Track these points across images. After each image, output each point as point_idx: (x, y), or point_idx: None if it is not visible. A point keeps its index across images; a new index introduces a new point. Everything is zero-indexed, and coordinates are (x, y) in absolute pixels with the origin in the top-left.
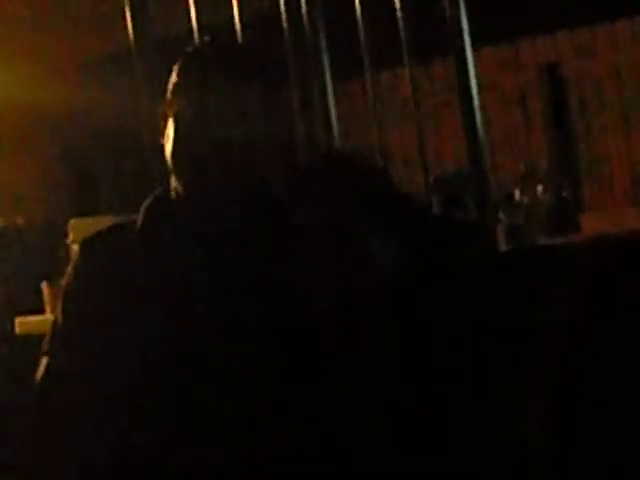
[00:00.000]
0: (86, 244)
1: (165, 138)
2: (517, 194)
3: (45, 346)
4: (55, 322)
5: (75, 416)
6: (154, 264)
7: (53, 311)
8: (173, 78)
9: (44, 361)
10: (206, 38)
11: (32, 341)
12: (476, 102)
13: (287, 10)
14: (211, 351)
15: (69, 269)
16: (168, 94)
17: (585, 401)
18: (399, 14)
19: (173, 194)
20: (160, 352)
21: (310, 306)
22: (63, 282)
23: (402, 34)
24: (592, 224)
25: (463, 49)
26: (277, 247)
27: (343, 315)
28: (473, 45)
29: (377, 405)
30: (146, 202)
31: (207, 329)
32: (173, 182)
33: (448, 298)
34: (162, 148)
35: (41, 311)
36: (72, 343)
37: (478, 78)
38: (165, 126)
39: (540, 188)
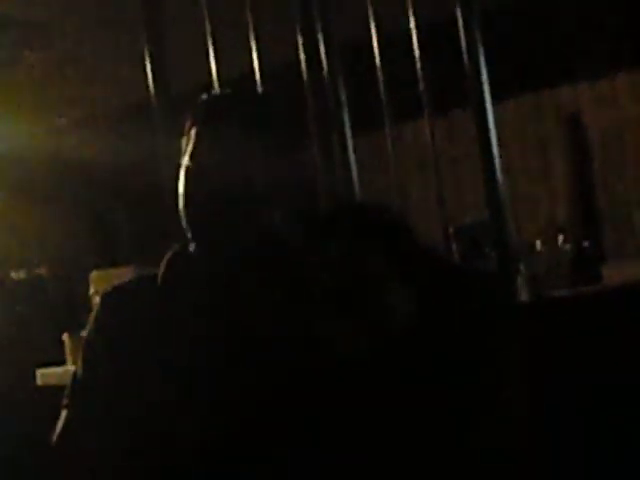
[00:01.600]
0: (107, 296)
1: (181, 201)
2: (538, 244)
3: (65, 398)
4: (75, 374)
5: (94, 468)
6: (175, 318)
7: (74, 362)
8: (186, 128)
9: (64, 413)
10: (221, 89)
11: (53, 392)
12: (496, 153)
13: (307, 62)
14: (231, 404)
15: (90, 321)
16: (182, 144)
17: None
18: (419, 66)
19: (191, 247)
20: (179, 404)
21: (327, 356)
22: (84, 333)
23: (422, 86)
24: (614, 273)
25: (483, 101)
26: (293, 298)
27: (360, 364)
28: (494, 96)
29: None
30: (166, 256)
31: (227, 382)
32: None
33: (465, 348)
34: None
35: (62, 362)
36: (92, 395)
37: (498, 129)
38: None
39: (561, 238)
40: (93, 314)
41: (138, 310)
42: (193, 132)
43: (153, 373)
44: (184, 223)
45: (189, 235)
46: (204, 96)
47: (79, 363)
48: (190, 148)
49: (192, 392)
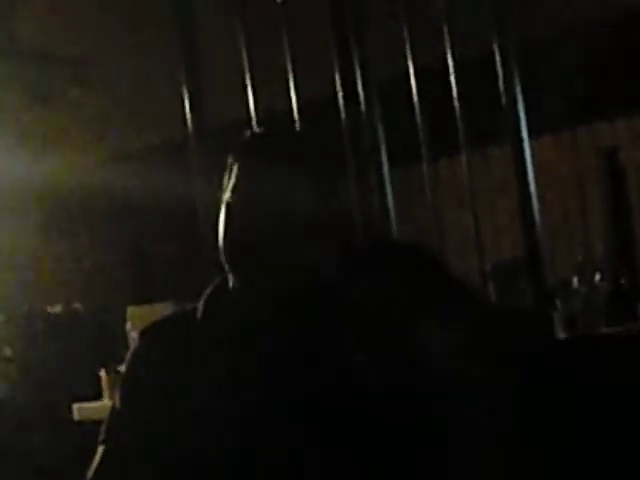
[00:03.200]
0: (146, 332)
1: (221, 237)
2: (574, 281)
3: (102, 434)
4: (113, 409)
5: None
6: (213, 355)
7: (111, 397)
8: (228, 163)
9: (100, 449)
10: (261, 126)
11: (90, 427)
12: (533, 188)
13: (344, 97)
14: (271, 443)
15: (128, 357)
16: (224, 180)
17: None
18: (456, 101)
19: (231, 282)
20: (219, 443)
21: (363, 395)
22: (122, 369)
23: (459, 122)
24: None
25: (520, 137)
26: (327, 335)
27: (394, 406)
28: (532, 131)
29: None
30: (205, 292)
31: (264, 422)
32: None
33: (505, 389)
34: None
35: (99, 397)
36: (130, 431)
37: (535, 165)
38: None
39: (598, 275)
40: (131, 350)
41: (177, 346)
42: (235, 167)
43: (191, 411)
44: (224, 258)
45: (228, 270)
46: (246, 132)
47: (117, 398)
48: (232, 183)
49: (233, 433)
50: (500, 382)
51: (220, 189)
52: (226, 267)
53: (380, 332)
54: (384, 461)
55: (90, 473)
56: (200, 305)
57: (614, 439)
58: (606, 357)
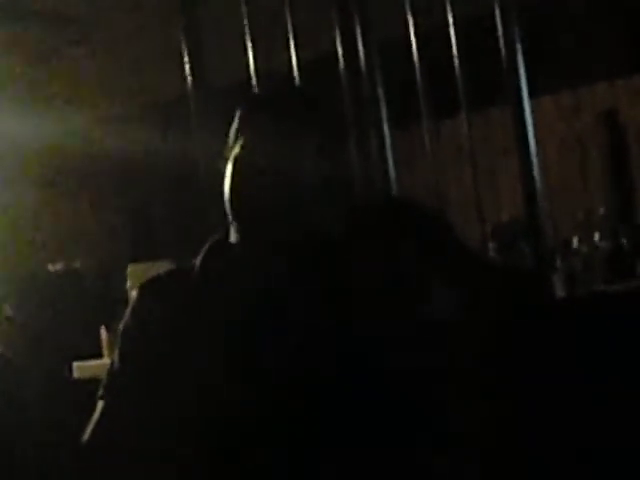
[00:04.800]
0: (144, 288)
1: (226, 190)
2: (574, 241)
3: (101, 389)
4: (112, 365)
5: (128, 461)
6: (212, 309)
7: (111, 356)
8: (234, 124)
9: (100, 404)
10: (266, 85)
11: (90, 385)
12: (533, 150)
13: (344, 56)
14: (273, 399)
15: (127, 312)
16: (229, 139)
17: None
18: (456, 62)
19: (232, 237)
20: (219, 399)
21: (365, 354)
22: (120, 325)
23: (459, 82)
24: None
25: (520, 98)
26: (335, 294)
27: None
28: (531, 93)
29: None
30: (205, 246)
31: (267, 376)
32: (231, 225)
33: (507, 347)
34: (220, 192)
35: (99, 356)
36: (129, 386)
37: (535, 126)
38: (225, 177)
39: (597, 235)
40: (130, 305)
41: (175, 302)
42: (243, 125)
43: (190, 367)
44: (230, 212)
45: (233, 225)
46: (253, 92)
47: (115, 355)
48: (241, 140)
49: (234, 389)
50: (500, 345)
51: (224, 147)
52: (231, 222)
53: (381, 288)
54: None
55: (89, 428)
56: (198, 260)
57: (616, 395)
58: (606, 314)
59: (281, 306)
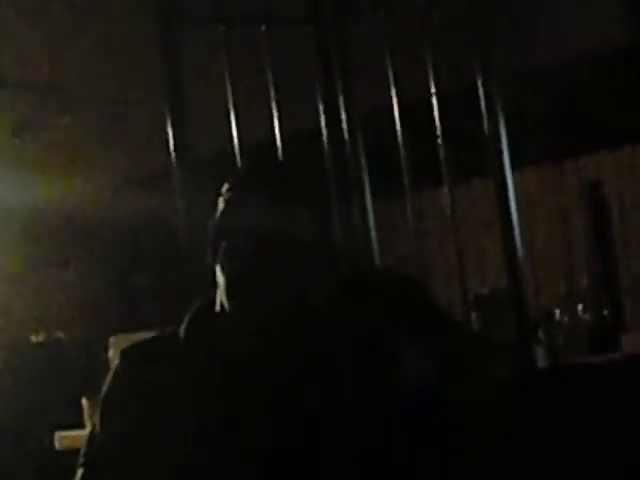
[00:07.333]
0: (126, 353)
1: (217, 260)
2: (557, 313)
3: (81, 457)
4: (92, 431)
5: None
6: (196, 374)
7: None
8: (221, 203)
9: (79, 472)
10: (249, 158)
11: (72, 456)
12: (516, 222)
13: (328, 128)
14: (257, 466)
15: (108, 377)
16: (217, 218)
17: None
18: (439, 132)
19: (217, 306)
20: (198, 465)
21: (342, 427)
22: (102, 390)
23: (442, 153)
24: (633, 344)
25: (503, 169)
26: (311, 364)
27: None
28: (515, 165)
29: None
30: (191, 311)
31: (246, 444)
32: (218, 295)
33: (480, 420)
34: (203, 264)
35: (80, 426)
36: (108, 453)
37: (519, 197)
38: (213, 248)
39: (580, 307)
40: (112, 370)
41: (158, 367)
42: (227, 196)
43: (172, 434)
44: (219, 280)
45: (220, 292)
46: (240, 168)
47: (96, 420)
48: (221, 209)
49: (213, 455)
50: (478, 409)
51: (208, 218)
52: (218, 289)
53: (364, 358)
54: None
55: None
56: (183, 326)
57: (596, 468)
58: (587, 387)
59: (265, 372)
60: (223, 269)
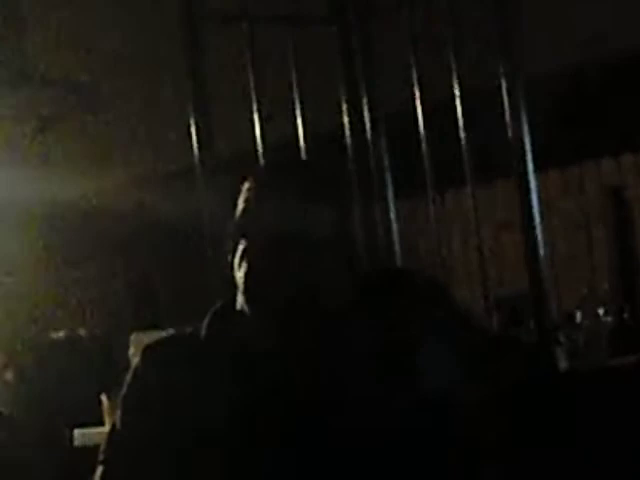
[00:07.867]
0: (147, 350)
1: (236, 259)
2: (578, 315)
3: (101, 454)
4: (112, 428)
5: None
6: (217, 373)
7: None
8: (242, 195)
9: (99, 469)
10: (272, 157)
11: (91, 453)
12: (538, 224)
13: (351, 127)
14: (272, 467)
15: (129, 376)
16: (238, 216)
17: None
18: (462, 132)
19: (238, 304)
20: (216, 465)
21: (365, 430)
22: (123, 389)
23: (465, 153)
24: None
25: (526, 170)
26: (331, 364)
27: (395, 439)
28: (538, 167)
29: None
30: (212, 310)
31: (266, 441)
32: (239, 296)
33: (505, 421)
34: (224, 263)
35: (100, 424)
36: (129, 451)
37: (541, 199)
38: (233, 246)
39: (601, 310)
40: (132, 368)
41: (179, 365)
42: (249, 194)
43: (192, 431)
44: (239, 278)
45: (241, 291)
46: (260, 164)
47: (117, 418)
48: (243, 208)
49: (235, 454)
50: (498, 410)
51: (230, 217)
52: (238, 289)
53: (383, 358)
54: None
55: None
56: (204, 324)
57: (616, 471)
58: (608, 389)
59: (285, 372)
60: (243, 268)
